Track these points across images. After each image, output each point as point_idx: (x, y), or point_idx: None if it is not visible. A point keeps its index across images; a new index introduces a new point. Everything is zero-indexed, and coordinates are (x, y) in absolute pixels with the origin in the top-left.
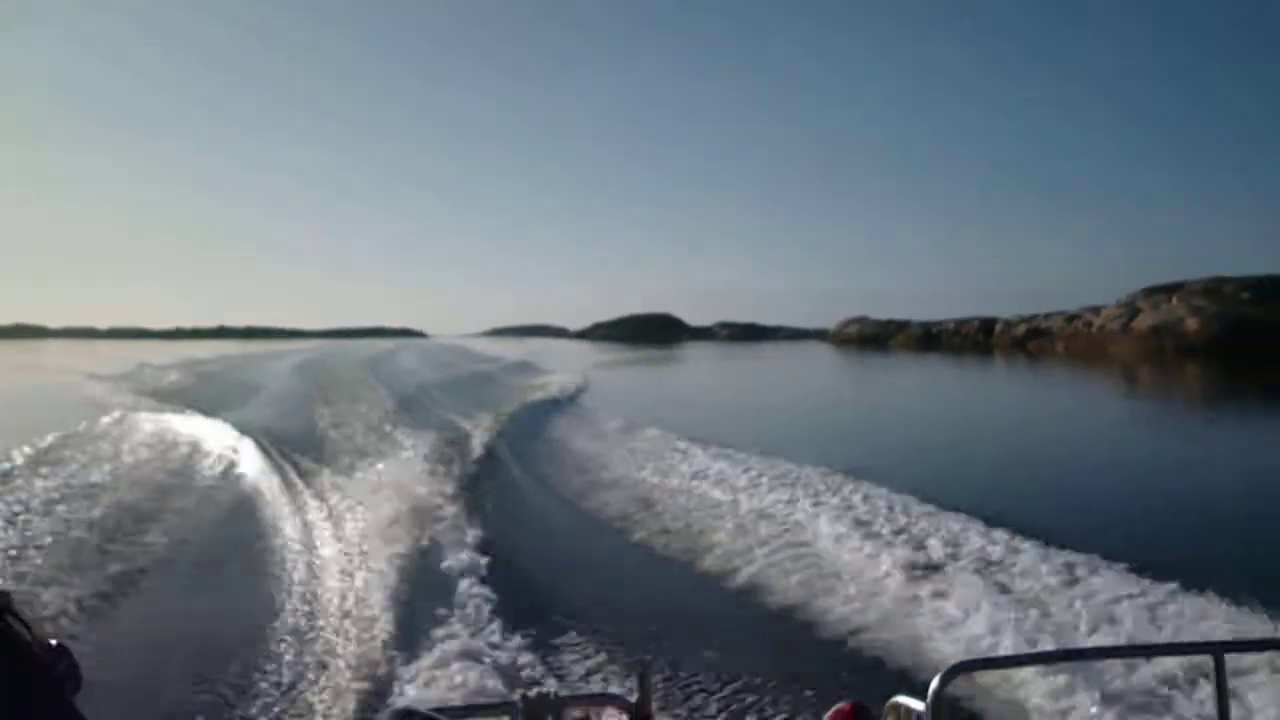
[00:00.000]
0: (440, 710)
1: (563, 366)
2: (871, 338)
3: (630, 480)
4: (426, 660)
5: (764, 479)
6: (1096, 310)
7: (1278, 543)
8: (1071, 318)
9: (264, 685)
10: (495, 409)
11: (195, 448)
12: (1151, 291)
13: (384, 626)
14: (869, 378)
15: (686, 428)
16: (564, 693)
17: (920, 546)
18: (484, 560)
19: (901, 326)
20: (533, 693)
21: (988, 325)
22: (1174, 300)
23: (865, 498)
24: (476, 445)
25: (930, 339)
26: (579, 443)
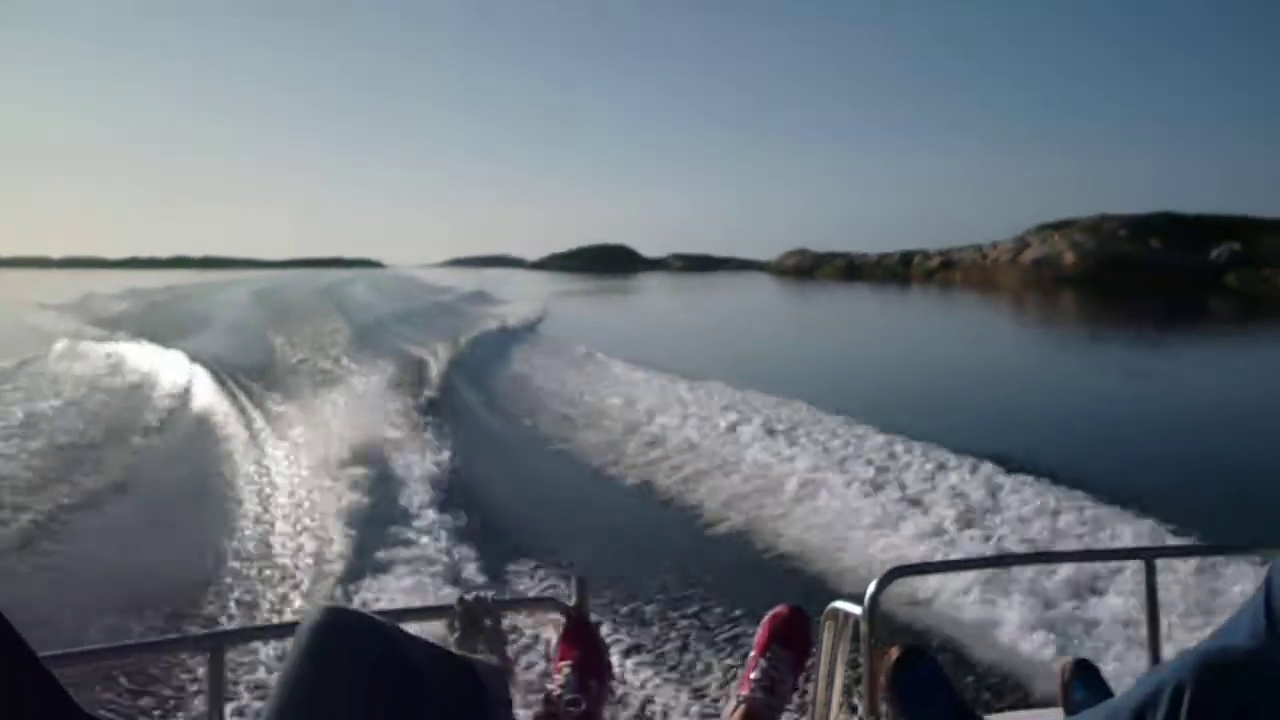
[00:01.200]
0: (378, 614)
1: (520, 296)
2: (808, 269)
3: (583, 406)
4: (374, 571)
5: (711, 401)
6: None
7: (1192, 453)
8: (982, 252)
9: (213, 602)
10: (452, 339)
11: (145, 377)
12: (1044, 228)
13: (335, 543)
14: (801, 306)
15: (638, 354)
16: (503, 597)
17: (852, 463)
18: (436, 481)
19: (834, 259)
20: (470, 596)
21: (907, 258)
22: (1056, 236)
23: (800, 419)
24: (433, 374)
25: (854, 270)
26: (535, 371)
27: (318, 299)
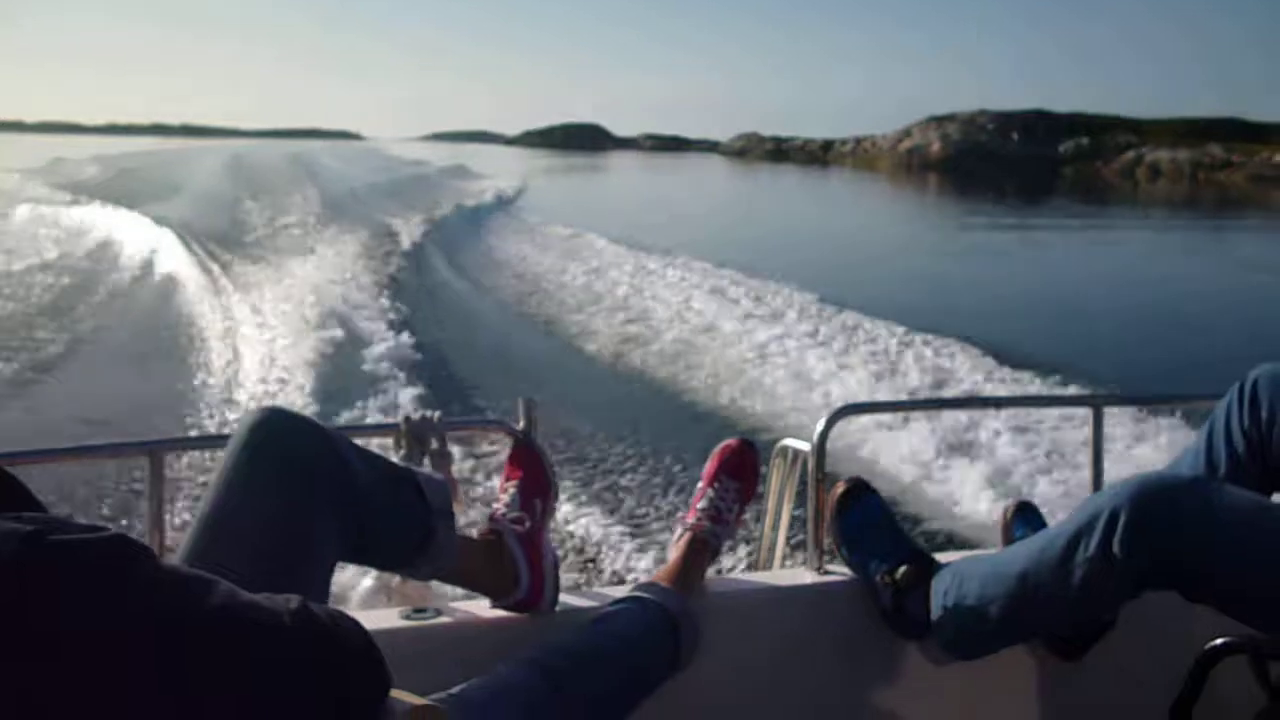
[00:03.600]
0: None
1: (499, 172)
2: (752, 151)
3: (552, 276)
4: (330, 407)
5: (668, 270)
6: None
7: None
8: (872, 140)
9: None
10: (428, 212)
11: (112, 241)
12: (930, 120)
13: (296, 387)
14: (737, 185)
15: (602, 225)
16: (451, 418)
17: (799, 323)
18: (401, 340)
19: (764, 142)
20: (417, 415)
21: (828, 144)
22: (932, 128)
23: (749, 284)
24: (405, 243)
25: (781, 153)
26: (507, 243)
27: (291, 168)
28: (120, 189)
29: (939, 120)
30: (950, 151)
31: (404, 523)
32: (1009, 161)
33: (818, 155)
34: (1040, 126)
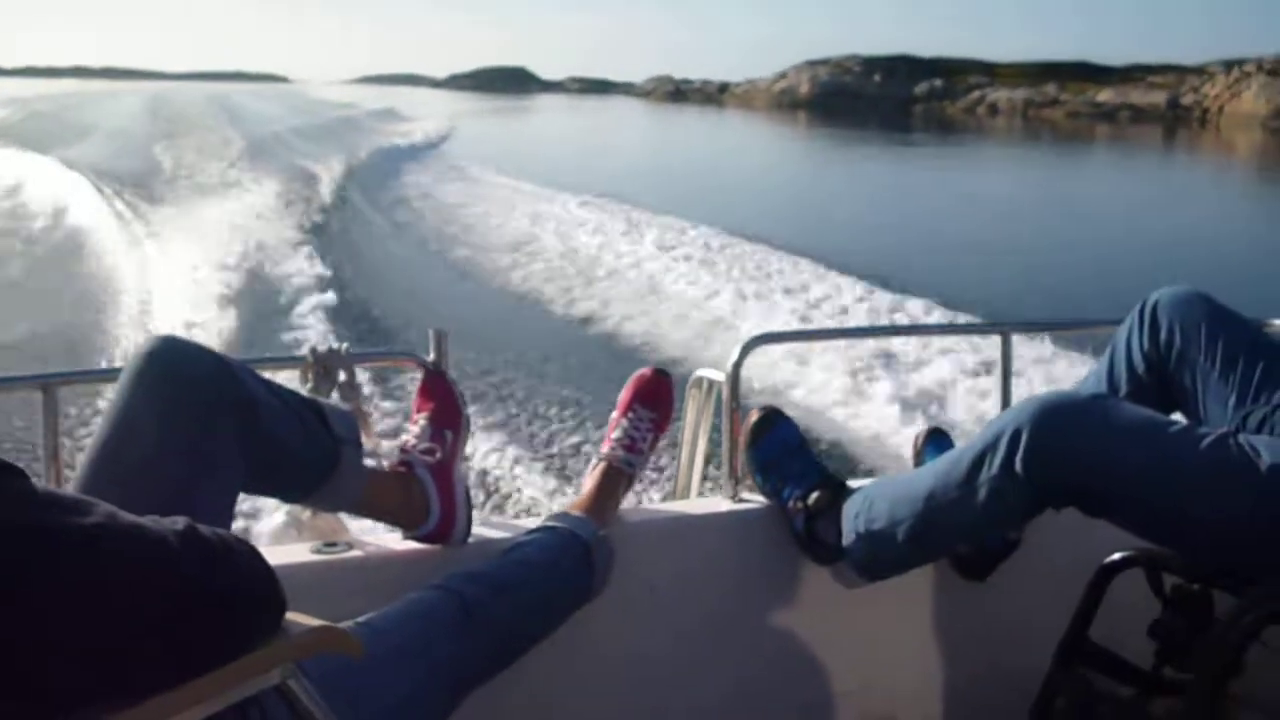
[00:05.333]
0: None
1: (428, 115)
2: (655, 92)
3: (474, 218)
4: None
5: (583, 208)
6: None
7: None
8: (751, 82)
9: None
10: (351, 154)
11: (18, 186)
12: (808, 64)
13: (212, 332)
14: (649, 126)
15: (519, 167)
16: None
17: (706, 258)
18: (319, 278)
19: (663, 83)
20: (324, 348)
21: (724, 86)
22: (806, 71)
23: (659, 220)
24: (325, 188)
25: (681, 95)
26: (429, 185)
27: (212, 110)
28: (31, 132)
29: (813, 64)
30: (817, 92)
31: (308, 450)
32: (869, 100)
33: (714, 96)
34: (903, 69)
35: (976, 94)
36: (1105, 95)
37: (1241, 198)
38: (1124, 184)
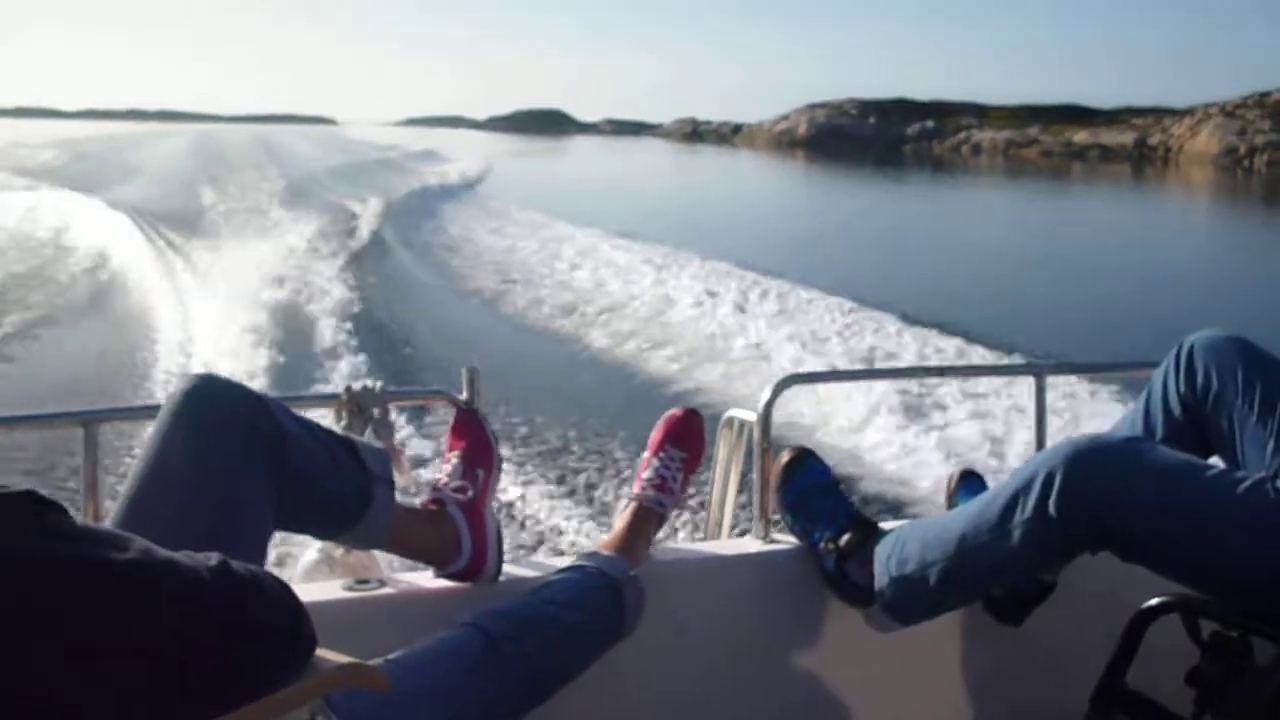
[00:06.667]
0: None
1: (466, 156)
2: (674, 133)
3: (508, 255)
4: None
5: (615, 249)
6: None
7: (1076, 277)
8: (761, 124)
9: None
10: (388, 194)
11: (64, 227)
12: (808, 107)
13: (248, 368)
14: (673, 166)
15: (557, 206)
16: (392, 388)
17: (740, 298)
18: (354, 316)
19: (683, 124)
20: (358, 385)
21: (736, 127)
22: (806, 114)
23: (691, 259)
24: (363, 226)
25: (698, 135)
26: (465, 223)
27: (256, 151)
28: (77, 173)
29: (813, 107)
30: (813, 132)
31: (341, 488)
32: (862, 140)
33: (727, 137)
34: (899, 111)
35: (963, 134)
36: (1081, 136)
37: (1204, 230)
38: (1109, 218)
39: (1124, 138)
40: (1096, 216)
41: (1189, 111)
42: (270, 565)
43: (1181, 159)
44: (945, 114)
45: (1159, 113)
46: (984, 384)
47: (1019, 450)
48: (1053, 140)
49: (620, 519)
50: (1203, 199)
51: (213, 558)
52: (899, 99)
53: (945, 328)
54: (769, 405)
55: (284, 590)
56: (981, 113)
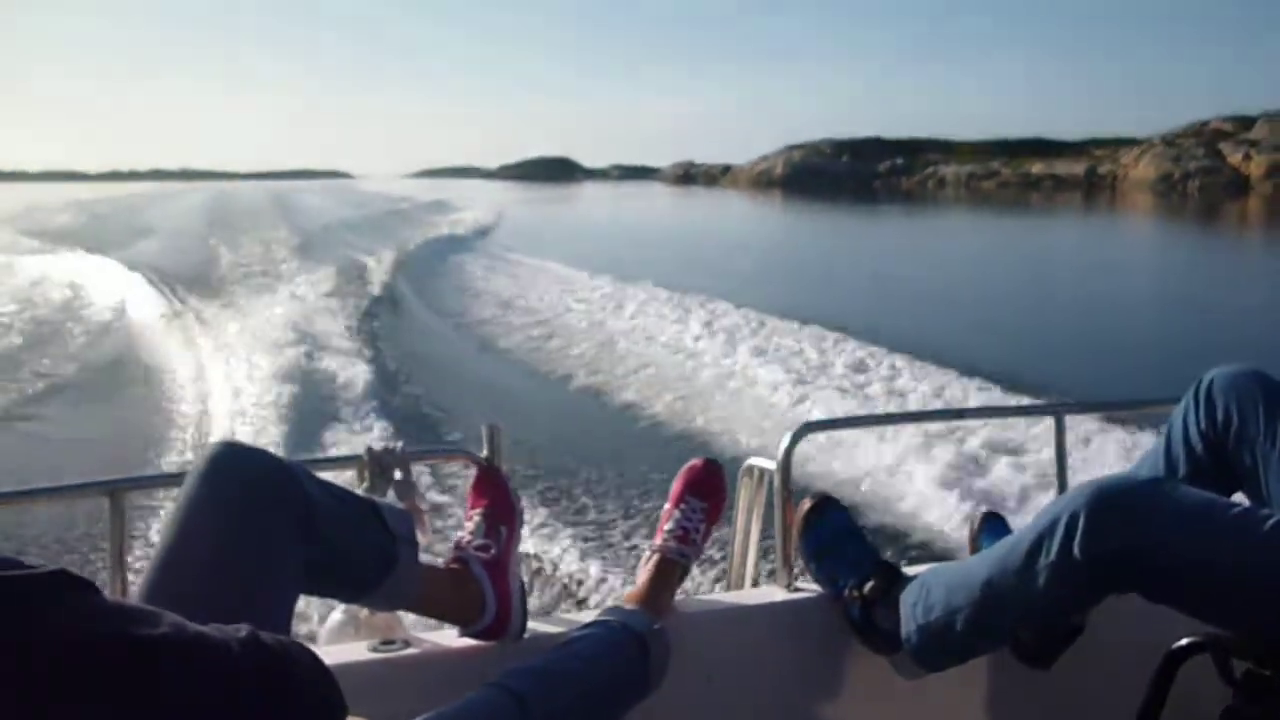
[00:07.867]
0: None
1: (476, 205)
2: (666, 175)
3: (520, 304)
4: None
5: (627, 296)
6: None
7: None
8: (743, 166)
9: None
10: (401, 245)
11: (81, 286)
12: (786, 148)
13: (267, 430)
14: (670, 209)
15: (566, 254)
16: (414, 448)
17: (757, 343)
18: (371, 373)
19: (678, 166)
20: (379, 446)
21: (725, 168)
22: (783, 154)
23: (702, 304)
24: (375, 278)
25: (689, 177)
26: (476, 273)
27: (270, 207)
28: (92, 234)
29: (790, 148)
30: (789, 172)
31: (366, 551)
32: (835, 178)
33: (716, 177)
34: (872, 149)
35: (930, 169)
36: (1038, 167)
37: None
38: (1061, 244)
39: (1076, 168)
40: (1051, 243)
41: (1146, 141)
42: (294, 624)
43: (1126, 186)
44: (915, 151)
45: (1120, 143)
46: (1003, 423)
47: (1040, 490)
48: (1011, 173)
49: (643, 571)
50: (1143, 223)
51: (242, 629)
52: (873, 138)
53: (958, 366)
54: (788, 453)
55: (312, 659)
56: (949, 149)
